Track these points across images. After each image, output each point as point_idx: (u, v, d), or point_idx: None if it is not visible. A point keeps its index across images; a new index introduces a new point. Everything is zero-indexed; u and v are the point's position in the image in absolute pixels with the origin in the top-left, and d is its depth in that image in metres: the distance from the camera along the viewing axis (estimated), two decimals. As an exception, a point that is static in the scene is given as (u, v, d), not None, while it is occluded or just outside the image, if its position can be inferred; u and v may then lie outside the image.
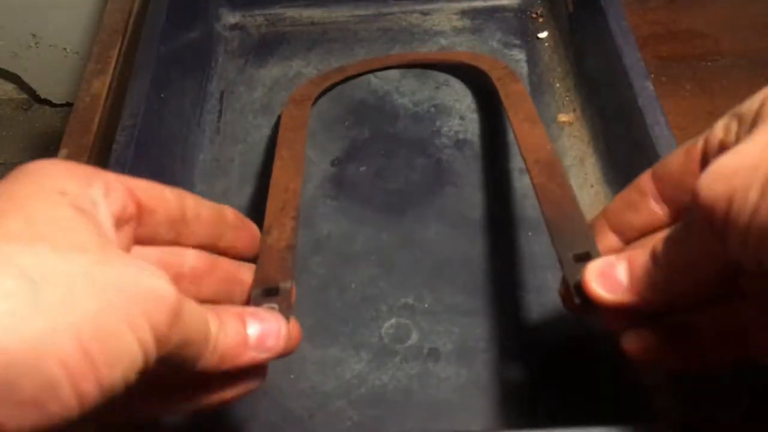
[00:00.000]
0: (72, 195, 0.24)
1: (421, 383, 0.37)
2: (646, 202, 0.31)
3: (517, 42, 0.55)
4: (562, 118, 0.49)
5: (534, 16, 0.56)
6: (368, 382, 0.37)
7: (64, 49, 1.07)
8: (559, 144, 0.48)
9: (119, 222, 0.26)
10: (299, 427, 0.36)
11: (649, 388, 0.36)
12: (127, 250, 0.28)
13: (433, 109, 0.51)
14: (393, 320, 0.40)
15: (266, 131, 0.50)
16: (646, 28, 0.56)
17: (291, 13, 0.58)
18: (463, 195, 0.46)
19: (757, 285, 0.26)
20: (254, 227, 0.34)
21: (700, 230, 0.24)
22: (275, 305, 0.32)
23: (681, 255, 0.26)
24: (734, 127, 0.26)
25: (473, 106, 0.51)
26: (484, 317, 0.40)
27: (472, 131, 0.49)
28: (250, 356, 0.28)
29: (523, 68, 0.53)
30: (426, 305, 0.40)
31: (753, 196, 0.21)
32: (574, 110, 0.49)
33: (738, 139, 0.25)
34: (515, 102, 0.46)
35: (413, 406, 0.37)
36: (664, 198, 0.30)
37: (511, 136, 0.48)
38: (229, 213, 0.32)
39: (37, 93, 1.18)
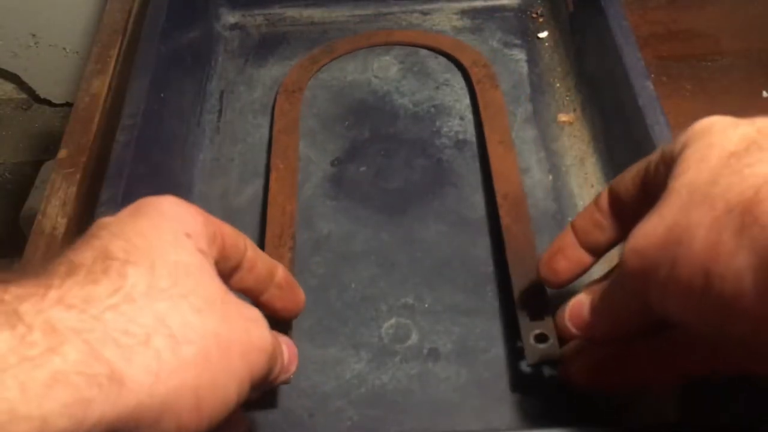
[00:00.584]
0: (195, 237, 0.26)
1: (421, 383, 0.37)
2: (609, 221, 0.32)
3: (518, 42, 0.55)
4: (563, 117, 0.49)
5: (534, 15, 0.56)
6: (368, 382, 0.37)
7: (64, 48, 1.07)
8: (559, 144, 0.48)
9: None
10: (299, 427, 0.36)
11: (650, 388, 0.36)
12: None
13: (433, 109, 0.51)
14: (393, 320, 0.40)
15: (266, 131, 0.50)
16: (647, 28, 0.56)
17: (291, 12, 0.58)
18: (463, 195, 0.46)
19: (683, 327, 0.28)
20: (300, 294, 0.34)
21: (629, 286, 0.28)
22: None
23: (617, 302, 0.29)
24: (662, 168, 0.28)
25: (474, 97, 0.51)
26: (484, 317, 0.40)
27: (472, 131, 0.49)
28: (281, 378, 0.30)
29: (524, 68, 0.53)
30: (426, 305, 0.40)
31: (662, 272, 0.25)
32: (575, 110, 0.49)
33: (664, 184, 0.27)
34: (492, 115, 0.48)
35: (413, 406, 0.36)
36: (619, 218, 0.32)
37: (512, 137, 0.48)
38: (280, 272, 0.33)
39: (37, 93, 1.18)
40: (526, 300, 0.37)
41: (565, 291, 0.39)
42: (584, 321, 0.31)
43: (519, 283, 0.38)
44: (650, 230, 0.26)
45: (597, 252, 0.33)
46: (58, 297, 0.21)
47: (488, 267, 0.42)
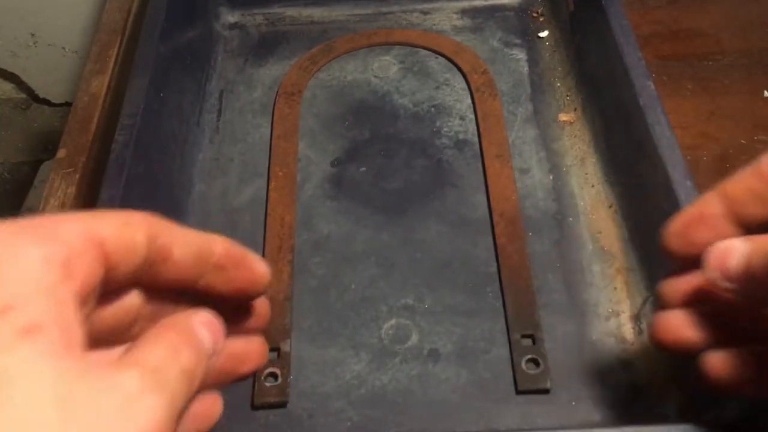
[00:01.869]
0: (20, 307, 0.18)
1: (421, 384, 0.37)
2: None
3: (518, 41, 0.55)
4: (563, 117, 0.49)
5: (535, 15, 0.56)
6: (368, 383, 0.37)
7: (63, 48, 1.07)
8: (559, 144, 0.48)
9: (85, 298, 0.20)
10: (299, 427, 0.36)
11: (651, 388, 0.36)
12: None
13: (433, 109, 0.51)
14: (393, 321, 0.40)
15: (266, 131, 0.50)
16: (647, 28, 0.56)
17: (290, 12, 0.58)
18: (463, 195, 0.45)
19: None
20: (255, 266, 0.25)
21: None
22: (277, 370, 0.36)
23: None
24: None
25: (473, 106, 0.51)
26: (484, 318, 0.39)
27: (472, 131, 0.49)
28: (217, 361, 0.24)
29: (524, 67, 0.53)
30: (426, 305, 0.40)
31: None
32: (575, 110, 0.49)
33: None
34: (489, 127, 0.48)
35: (413, 406, 0.36)
36: None
37: (512, 138, 0.48)
38: (219, 249, 0.24)
39: (36, 92, 1.18)
40: (519, 322, 0.37)
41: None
42: (732, 275, 0.24)
43: (512, 305, 0.39)
44: None
45: (749, 229, 0.26)
46: None
47: (488, 267, 0.42)
